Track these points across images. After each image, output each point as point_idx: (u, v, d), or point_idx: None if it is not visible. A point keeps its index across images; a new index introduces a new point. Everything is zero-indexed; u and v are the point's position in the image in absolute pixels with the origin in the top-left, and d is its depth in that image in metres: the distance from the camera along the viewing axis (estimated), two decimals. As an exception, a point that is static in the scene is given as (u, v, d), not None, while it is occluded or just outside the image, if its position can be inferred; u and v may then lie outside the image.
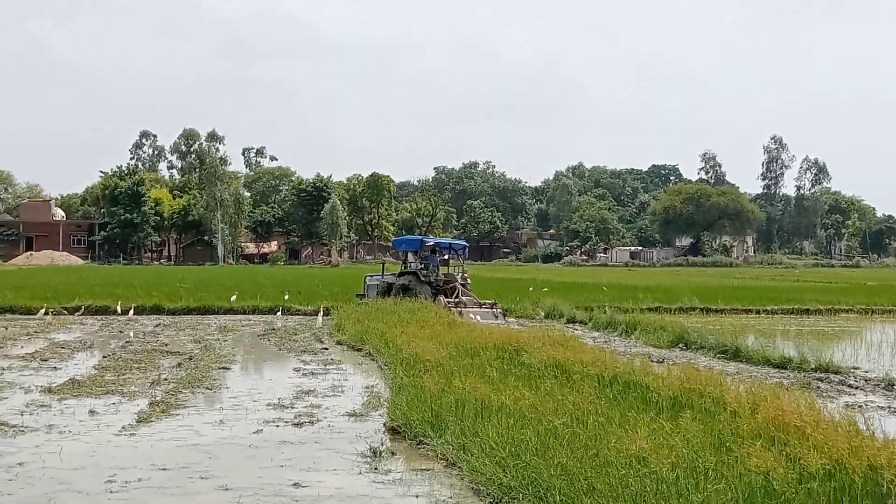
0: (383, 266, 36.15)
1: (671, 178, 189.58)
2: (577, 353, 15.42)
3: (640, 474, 8.19)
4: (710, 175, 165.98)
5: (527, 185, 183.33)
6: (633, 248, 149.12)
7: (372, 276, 35.36)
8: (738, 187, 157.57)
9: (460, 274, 33.12)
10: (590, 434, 9.68)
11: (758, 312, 36.15)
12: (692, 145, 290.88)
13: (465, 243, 37.84)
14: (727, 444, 9.02)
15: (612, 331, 28.03)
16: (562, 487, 8.27)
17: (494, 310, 30.43)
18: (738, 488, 7.79)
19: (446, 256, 34.34)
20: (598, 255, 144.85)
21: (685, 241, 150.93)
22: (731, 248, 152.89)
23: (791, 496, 7.64)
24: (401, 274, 32.70)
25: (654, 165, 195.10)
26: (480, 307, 30.31)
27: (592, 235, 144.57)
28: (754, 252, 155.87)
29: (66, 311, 32.73)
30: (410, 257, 33.21)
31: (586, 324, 30.41)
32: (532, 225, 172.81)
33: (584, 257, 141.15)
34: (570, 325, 29.99)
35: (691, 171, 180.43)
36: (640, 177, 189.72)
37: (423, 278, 31.76)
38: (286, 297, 36.04)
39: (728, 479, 8.00)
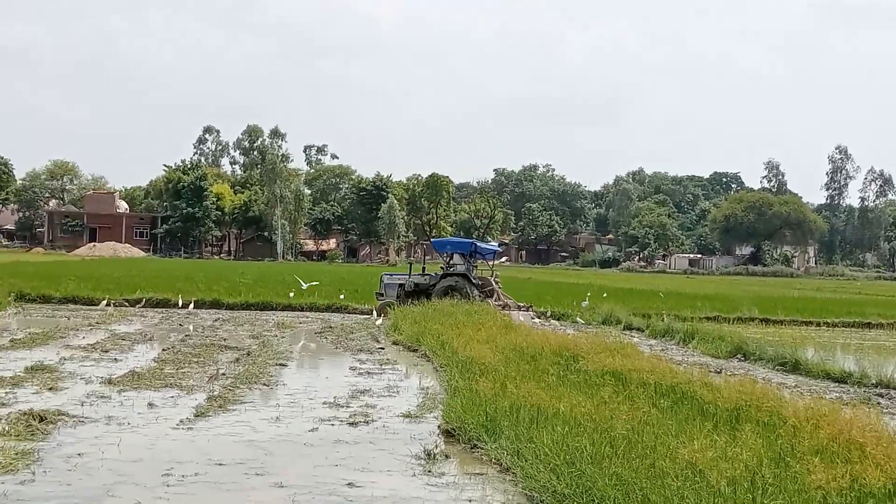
0: (410, 266, 36.00)
1: (733, 185, 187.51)
2: (634, 362, 15.34)
3: (696, 487, 8.12)
4: (772, 184, 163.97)
5: (586, 189, 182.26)
6: (692, 256, 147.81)
7: (391, 275, 35.41)
8: (800, 197, 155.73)
9: (493, 277, 33.45)
10: (646, 444, 9.61)
11: (818, 325, 35.68)
12: (755, 153, 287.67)
13: (495, 248, 37.73)
14: (786, 459, 8.91)
15: (669, 339, 27.81)
16: (616, 497, 8.21)
17: (530, 312, 31.24)
18: (795, 505, 7.70)
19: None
20: (657, 261, 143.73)
21: (745, 250, 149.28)
22: (791, 258, 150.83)
23: (850, 515, 7.54)
24: (445, 275, 32.79)
25: (715, 172, 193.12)
26: (519, 310, 30.83)
27: (651, 242, 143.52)
28: (815, 263, 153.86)
29: (127, 303, 33.13)
30: (457, 259, 33.33)
31: (643, 331, 30.21)
32: (590, 229, 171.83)
33: (643, 263, 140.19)
34: (627, 332, 29.77)
35: (753, 179, 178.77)
36: (702, 184, 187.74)
37: (473, 280, 32.10)
38: (342, 296, 36.20)
39: (786, 494, 7.91)
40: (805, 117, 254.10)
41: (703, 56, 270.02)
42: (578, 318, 33.24)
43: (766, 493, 7.92)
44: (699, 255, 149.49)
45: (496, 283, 33.16)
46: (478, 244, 35.11)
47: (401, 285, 33.05)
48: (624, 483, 8.42)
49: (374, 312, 30.74)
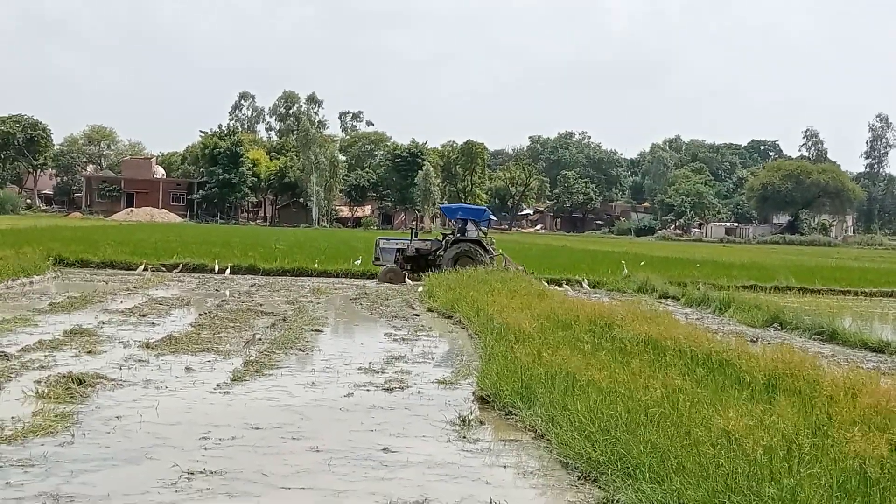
0: (412, 231, 35.78)
1: (770, 153, 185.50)
2: (669, 330, 15.27)
3: (731, 455, 8.09)
4: (811, 152, 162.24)
5: (622, 156, 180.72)
6: (728, 224, 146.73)
7: (387, 239, 35.41)
8: (839, 165, 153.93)
9: (490, 244, 33.64)
10: (681, 412, 9.58)
11: (856, 294, 35.42)
12: (793, 121, 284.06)
13: (490, 215, 37.00)
14: (824, 429, 8.86)
15: (705, 308, 27.68)
16: (651, 465, 8.19)
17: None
18: (832, 473, 7.65)
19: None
20: (693, 230, 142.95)
21: (783, 219, 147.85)
22: (829, 227, 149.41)
23: (887, 483, 7.48)
24: (456, 241, 32.77)
25: (753, 140, 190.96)
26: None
27: (687, 210, 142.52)
28: (854, 232, 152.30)
29: (164, 268, 33.39)
30: (470, 226, 33.24)
31: (678, 300, 30.08)
32: (626, 197, 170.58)
33: (679, 232, 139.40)
34: (663, 301, 29.67)
35: (792, 147, 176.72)
36: (739, 152, 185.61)
37: (487, 247, 32.22)
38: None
39: (823, 463, 7.86)
40: (846, 85, 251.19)
41: (745, 23, 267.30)
42: (585, 283, 33.49)
43: (803, 462, 7.88)
44: (736, 224, 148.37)
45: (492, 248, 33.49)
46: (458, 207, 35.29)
47: (399, 250, 33.10)
48: (659, 450, 8.40)
49: (398, 280, 31.06)
